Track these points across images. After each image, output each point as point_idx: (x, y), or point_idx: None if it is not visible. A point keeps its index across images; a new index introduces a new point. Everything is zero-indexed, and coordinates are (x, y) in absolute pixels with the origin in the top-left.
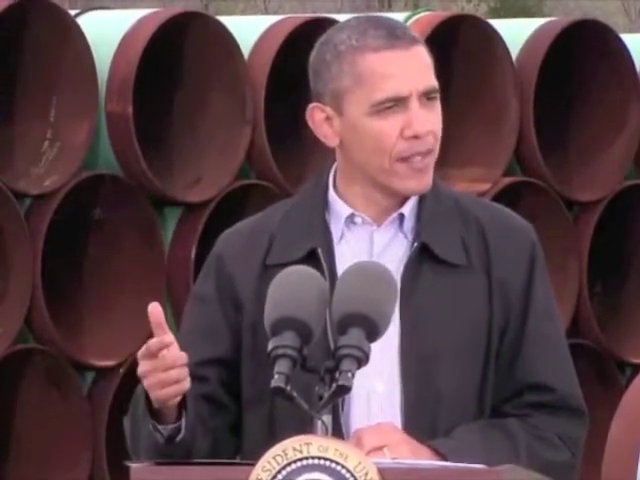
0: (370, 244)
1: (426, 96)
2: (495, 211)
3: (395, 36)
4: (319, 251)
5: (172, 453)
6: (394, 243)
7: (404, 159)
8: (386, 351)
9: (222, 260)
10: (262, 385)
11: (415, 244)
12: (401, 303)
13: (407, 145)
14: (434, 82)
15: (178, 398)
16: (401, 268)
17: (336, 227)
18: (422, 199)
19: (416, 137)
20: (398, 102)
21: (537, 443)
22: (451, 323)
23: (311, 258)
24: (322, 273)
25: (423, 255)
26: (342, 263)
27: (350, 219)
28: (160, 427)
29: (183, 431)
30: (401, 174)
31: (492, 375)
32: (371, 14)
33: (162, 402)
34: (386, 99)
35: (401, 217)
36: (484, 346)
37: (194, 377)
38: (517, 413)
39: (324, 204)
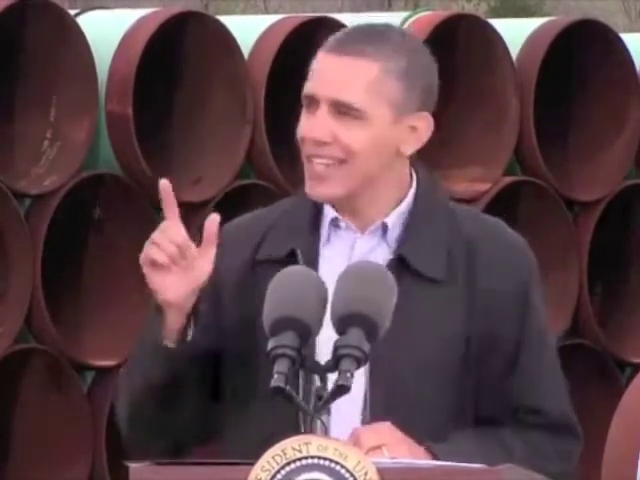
0: (351, 250)
1: (337, 108)
2: (489, 226)
3: (343, 42)
4: (298, 252)
5: (176, 356)
6: (376, 252)
7: (306, 159)
8: None
9: (217, 252)
10: (241, 381)
11: (392, 255)
12: None
13: (308, 146)
14: (348, 98)
15: (182, 295)
16: None
17: (325, 229)
18: (413, 211)
19: (303, 139)
20: (314, 102)
21: (531, 454)
22: (425, 337)
23: (292, 258)
24: None
25: (401, 267)
26: (325, 266)
27: (334, 223)
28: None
29: (192, 329)
30: (306, 175)
31: (471, 392)
32: (370, 22)
33: (166, 289)
34: (304, 95)
35: (384, 226)
36: (459, 362)
37: None
38: (512, 426)
39: (319, 205)
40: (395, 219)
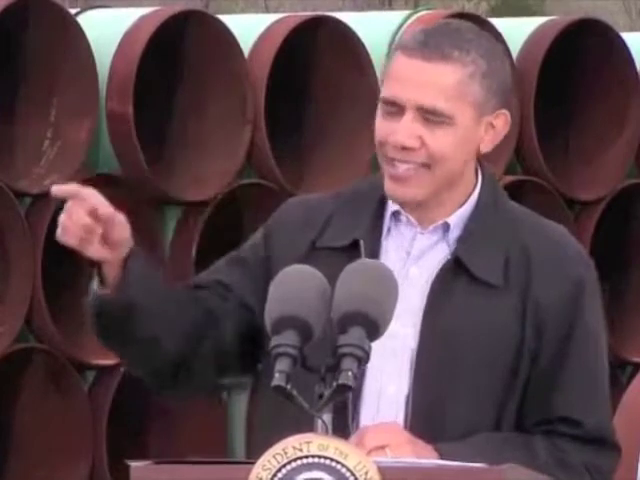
0: (410, 245)
1: (424, 114)
2: (551, 235)
3: (425, 45)
4: (361, 243)
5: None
6: (435, 250)
7: (387, 161)
8: (402, 355)
9: (274, 228)
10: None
11: (451, 256)
12: (426, 311)
13: (391, 150)
14: (437, 104)
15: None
16: (434, 276)
17: (386, 222)
18: (476, 212)
19: (384, 143)
20: (397, 107)
21: (557, 466)
22: (474, 342)
23: (354, 248)
24: None
25: (458, 268)
26: (385, 258)
27: (395, 216)
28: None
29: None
30: (385, 176)
31: (517, 399)
32: (447, 20)
33: (91, 254)
34: (386, 99)
35: (446, 226)
36: (509, 370)
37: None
38: (546, 435)
39: (383, 197)
40: (457, 219)
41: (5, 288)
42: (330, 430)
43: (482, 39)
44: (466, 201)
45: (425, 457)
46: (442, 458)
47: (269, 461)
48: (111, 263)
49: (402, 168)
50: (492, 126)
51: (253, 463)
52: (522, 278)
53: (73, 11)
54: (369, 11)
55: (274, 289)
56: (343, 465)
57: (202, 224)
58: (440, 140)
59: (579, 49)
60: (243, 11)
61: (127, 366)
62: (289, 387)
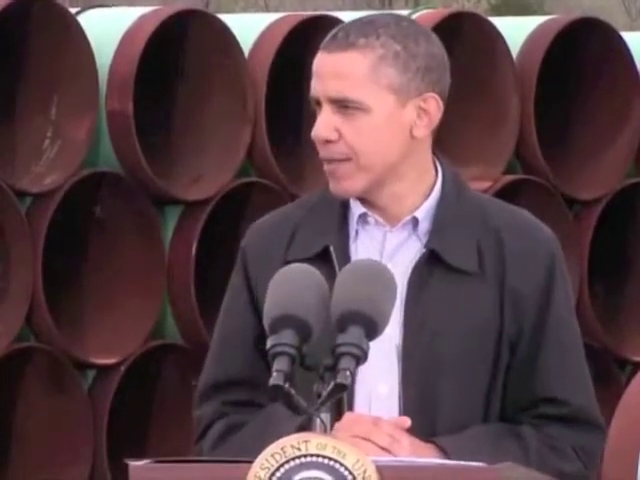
0: (382, 245)
1: (338, 106)
2: (518, 220)
3: (334, 37)
4: (331, 249)
5: None
6: (407, 245)
7: (322, 160)
8: (389, 354)
9: (246, 254)
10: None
11: (425, 249)
12: (406, 306)
13: (318, 147)
14: (344, 93)
15: None
16: (409, 271)
17: (353, 225)
18: (442, 203)
19: (315, 141)
20: (318, 103)
21: (549, 451)
22: (456, 331)
23: (325, 255)
24: (334, 271)
25: (433, 260)
26: None
27: (362, 219)
28: None
29: None
30: (326, 174)
31: (500, 386)
32: (376, 12)
33: None
34: (310, 97)
35: (415, 220)
36: (492, 356)
37: (227, 385)
38: (532, 422)
39: (345, 202)
40: (425, 212)
41: (5, 287)
42: (329, 429)
43: (401, 23)
44: (430, 193)
45: (422, 454)
46: (441, 453)
47: (267, 460)
48: None
49: (332, 166)
50: (423, 110)
51: (251, 462)
52: (496, 264)
53: (73, 10)
54: (369, 11)
55: (272, 288)
56: (341, 464)
57: (202, 223)
58: (356, 130)
59: (579, 48)
60: (243, 10)
61: None
62: (287, 386)
